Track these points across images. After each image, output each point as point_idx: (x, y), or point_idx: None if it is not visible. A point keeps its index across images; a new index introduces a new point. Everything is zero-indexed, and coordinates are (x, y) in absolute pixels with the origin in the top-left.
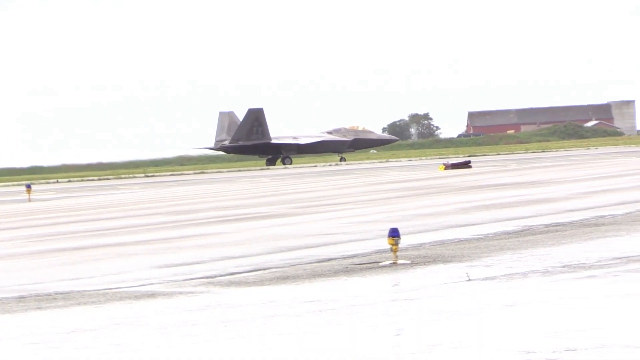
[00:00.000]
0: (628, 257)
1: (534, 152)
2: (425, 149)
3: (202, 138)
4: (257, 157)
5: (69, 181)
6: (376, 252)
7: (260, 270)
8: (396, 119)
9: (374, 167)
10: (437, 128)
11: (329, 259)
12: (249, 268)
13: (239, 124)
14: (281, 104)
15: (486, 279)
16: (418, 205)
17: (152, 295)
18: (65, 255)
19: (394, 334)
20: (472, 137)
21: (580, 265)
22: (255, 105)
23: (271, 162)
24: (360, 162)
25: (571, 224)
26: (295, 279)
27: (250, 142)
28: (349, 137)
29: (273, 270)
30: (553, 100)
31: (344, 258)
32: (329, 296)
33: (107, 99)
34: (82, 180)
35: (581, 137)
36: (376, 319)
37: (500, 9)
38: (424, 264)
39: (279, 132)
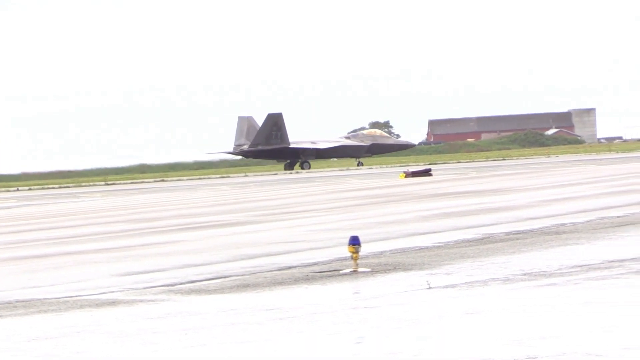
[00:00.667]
0: (588, 265)
1: (495, 160)
2: (386, 157)
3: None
4: (275, 161)
5: (30, 189)
6: (337, 260)
7: (221, 278)
8: (357, 126)
9: (335, 175)
10: (398, 136)
11: (290, 267)
12: (209, 276)
13: (257, 128)
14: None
15: (447, 286)
16: (379, 213)
17: (113, 303)
18: (26, 263)
19: (355, 342)
20: (432, 145)
21: (541, 273)
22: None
23: (290, 167)
24: (322, 170)
25: (532, 232)
26: (256, 286)
27: (269, 146)
28: (366, 142)
29: (234, 278)
30: (514, 108)
31: (305, 266)
32: (289, 304)
33: (109, 103)
34: (42, 189)
35: (542, 145)
36: (337, 326)
37: (461, 17)
38: (385, 272)
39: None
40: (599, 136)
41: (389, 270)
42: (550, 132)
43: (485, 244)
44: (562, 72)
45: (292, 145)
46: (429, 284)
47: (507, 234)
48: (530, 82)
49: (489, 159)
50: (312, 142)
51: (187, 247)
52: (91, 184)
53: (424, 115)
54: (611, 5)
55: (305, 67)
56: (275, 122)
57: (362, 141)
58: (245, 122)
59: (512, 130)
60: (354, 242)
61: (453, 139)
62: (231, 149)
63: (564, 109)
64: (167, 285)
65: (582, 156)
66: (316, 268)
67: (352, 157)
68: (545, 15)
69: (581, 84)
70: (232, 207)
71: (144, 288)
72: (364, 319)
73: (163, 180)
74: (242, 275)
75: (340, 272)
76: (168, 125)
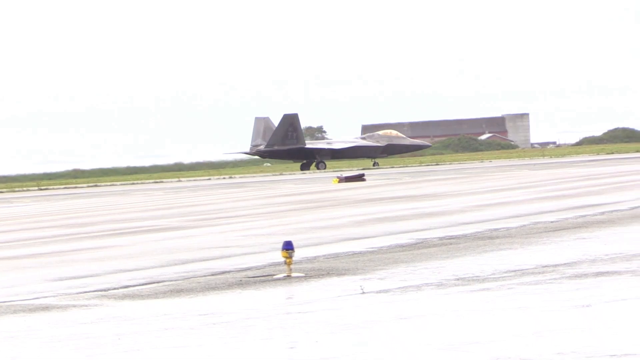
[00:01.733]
0: (522, 270)
1: (428, 165)
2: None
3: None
4: (291, 161)
5: None
6: (270, 265)
7: (154, 283)
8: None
9: (268, 180)
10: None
11: (223, 272)
12: (143, 281)
13: (273, 129)
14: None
15: (380, 291)
16: (312, 218)
17: (46, 308)
18: None
19: (288, 347)
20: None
21: (475, 278)
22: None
23: (306, 167)
24: (254, 175)
25: (465, 237)
26: (190, 292)
27: (285, 146)
28: (382, 143)
29: (167, 283)
30: (447, 113)
31: (238, 271)
32: (223, 309)
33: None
34: None
35: (475, 150)
36: (270, 332)
37: (393, 21)
38: (318, 277)
39: None
40: (532, 141)
41: (323, 275)
42: (484, 137)
43: (419, 249)
44: (495, 77)
45: (307, 146)
46: (362, 289)
47: (441, 239)
48: (463, 87)
49: (423, 164)
50: (328, 143)
51: (120, 252)
52: (24, 189)
53: (357, 120)
54: (543, 10)
55: (243, 71)
56: (291, 123)
57: (378, 141)
58: (261, 123)
59: (446, 136)
60: (288, 247)
61: None
62: (247, 149)
63: (497, 114)
64: (101, 291)
65: (516, 161)
66: (250, 273)
67: (367, 157)
68: (479, 19)
69: (514, 89)
70: (165, 212)
71: (77, 293)
72: (297, 324)
73: (96, 186)
74: (176, 280)
75: (274, 277)
76: (112, 130)
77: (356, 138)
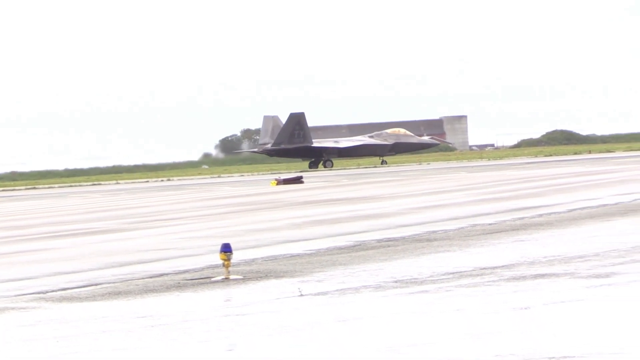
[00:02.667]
0: (460, 272)
1: (366, 167)
2: (258, 165)
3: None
4: (299, 160)
5: None
6: (208, 268)
7: (92, 285)
8: (228, 134)
9: (206, 182)
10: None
11: (161, 274)
12: (81, 284)
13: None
14: None
15: (318, 294)
16: (250, 220)
17: None
18: None
19: (227, 350)
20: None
21: (413, 280)
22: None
23: (314, 165)
24: (194, 177)
25: (403, 239)
26: (128, 294)
27: (292, 145)
28: (389, 141)
29: (105, 285)
30: (385, 115)
31: (176, 273)
32: (161, 311)
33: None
34: None
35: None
36: (209, 334)
37: (329, 23)
38: (256, 280)
39: None
40: (470, 143)
41: (261, 277)
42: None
43: (357, 251)
44: (433, 79)
45: (314, 145)
46: (300, 292)
47: (379, 241)
48: (401, 89)
49: (361, 167)
50: (335, 141)
51: (58, 254)
52: None
53: None
54: (479, 12)
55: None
56: (298, 122)
57: (386, 140)
58: (270, 121)
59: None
60: (226, 249)
61: None
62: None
63: (435, 116)
64: (38, 293)
65: (454, 163)
66: (188, 275)
67: (375, 155)
68: (417, 21)
69: (453, 91)
70: (103, 214)
71: (15, 296)
72: (235, 327)
73: (34, 188)
74: (114, 282)
75: (212, 279)
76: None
77: (364, 137)
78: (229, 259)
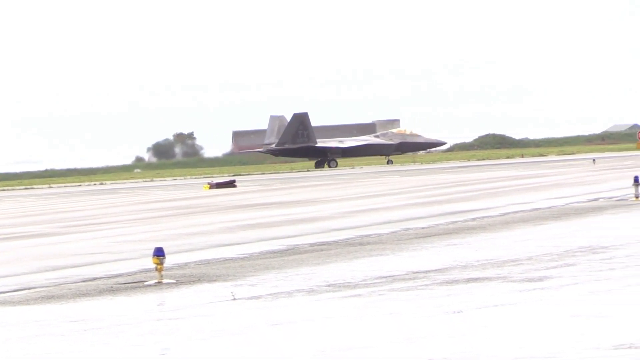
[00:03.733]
0: (393, 276)
1: (299, 171)
2: (190, 168)
3: None
4: (305, 159)
5: None
6: (141, 272)
7: (25, 289)
8: (160, 138)
9: (139, 186)
10: (202, 147)
11: (94, 279)
12: (13, 287)
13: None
14: None
15: (251, 298)
16: (183, 224)
17: None
18: None
19: (160, 353)
20: (237, 156)
21: (346, 284)
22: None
23: (320, 165)
24: (126, 181)
25: (336, 243)
26: (61, 298)
27: (295, 145)
28: (395, 141)
29: (38, 289)
30: (317, 119)
31: (109, 277)
32: (94, 315)
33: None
34: None
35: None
36: (142, 338)
37: (259, 26)
38: (189, 283)
39: None
40: None
41: (194, 281)
42: None
43: (290, 255)
44: (366, 83)
45: (318, 144)
46: (233, 296)
47: (312, 245)
48: (334, 93)
49: (294, 170)
50: (340, 141)
51: None
52: None
53: (228, 126)
54: (409, 16)
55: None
56: (301, 121)
57: (391, 140)
58: (276, 121)
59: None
60: (158, 253)
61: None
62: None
63: (367, 119)
64: None
65: (387, 167)
66: (121, 279)
67: (380, 155)
68: (351, 25)
69: (384, 94)
70: (36, 218)
71: None
72: (168, 330)
73: None
74: (47, 286)
75: (145, 283)
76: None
77: (369, 136)
78: (161, 263)
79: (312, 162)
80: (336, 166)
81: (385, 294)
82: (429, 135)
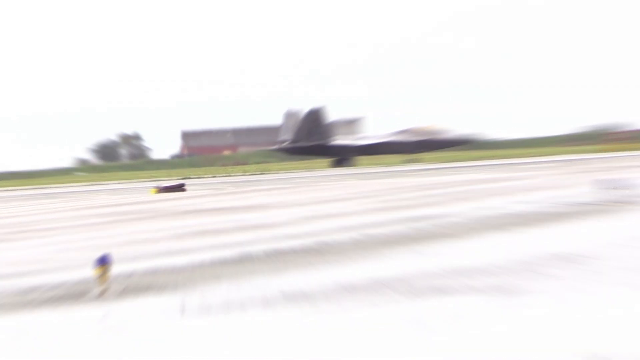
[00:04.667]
0: (354, 285)
1: (253, 174)
2: (137, 171)
3: None
4: (324, 158)
5: None
6: (84, 281)
7: None
8: (104, 139)
9: (82, 190)
10: (149, 149)
11: (35, 288)
12: None
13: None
14: None
15: (202, 310)
16: (129, 231)
17: None
18: None
19: None
20: (186, 158)
21: (303, 295)
22: None
23: (337, 164)
24: (68, 185)
25: (293, 252)
26: None
27: (309, 143)
28: (418, 138)
29: None
30: (273, 119)
31: (51, 287)
32: (31, 329)
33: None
34: None
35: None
36: (84, 352)
37: (206, 23)
38: (135, 294)
39: None
40: None
41: (140, 292)
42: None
43: (244, 264)
44: (327, 81)
45: (333, 143)
46: (182, 308)
47: (267, 253)
48: (287, 92)
49: (247, 173)
50: (357, 139)
51: None
52: None
53: (176, 127)
54: (370, 18)
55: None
56: (316, 118)
57: (413, 137)
58: (292, 117)
59: (272, 142)
60: (103, 261)
61: (208, 152)
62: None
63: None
64: None
65: (346, 170)
66: (63, 289)
67: (398, 153)
68: (310, 25)
69: (348, 93)
70: None
71: None
72: (113, 344)
73: None
74: None
75: (88, 294)
76: None
77: (391, 133)
78: (106, 273)
79: (339, 161)
80: (350, 166)
81: (345, 305)
82: (459, 130)
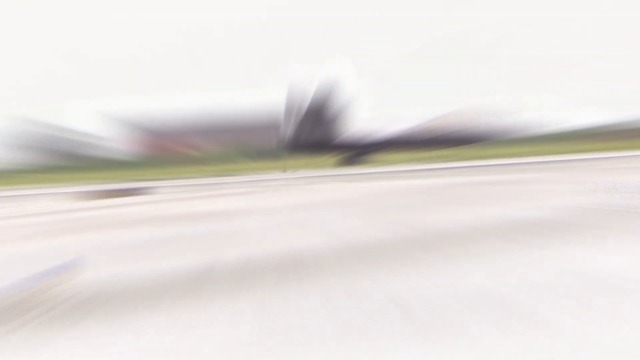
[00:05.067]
0: (335, 305)
1: (219, 174)
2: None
3: None
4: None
5: None
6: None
7: None
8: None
9: (23, 194)
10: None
11: None
12: None
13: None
14: None
15: (162, 338)
16: (66, 242)
17: None
18: None
19: None
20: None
21: (277, 316)
22: None
23: (348, 161)
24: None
25: (265, 264)
26: None
27: (313, 137)
28: (447, 130)
29: None
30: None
31: None
32: None
33: None
34: None
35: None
36: None
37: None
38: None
39: None
40: None
41: (90, 313)
42: None
43: (208, 281)
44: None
45: (340, 138)
46: (143, 337)
47: (234, 268)
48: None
49: (211, 175)
50: (369, 134)
51: None
52: None
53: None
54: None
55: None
56: (321, 109)
57: (446, 127)
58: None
59: (236, 142)
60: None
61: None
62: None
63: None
64: None
65: (321, 171)
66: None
67: (420, 149)
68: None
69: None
70: None
71: None
72: None
73: None
74: None
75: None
76: None
77: (410, 126)
78: (61, 284)
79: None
80: (363, 163)
81: (326, 329)
82: (499, 120)
